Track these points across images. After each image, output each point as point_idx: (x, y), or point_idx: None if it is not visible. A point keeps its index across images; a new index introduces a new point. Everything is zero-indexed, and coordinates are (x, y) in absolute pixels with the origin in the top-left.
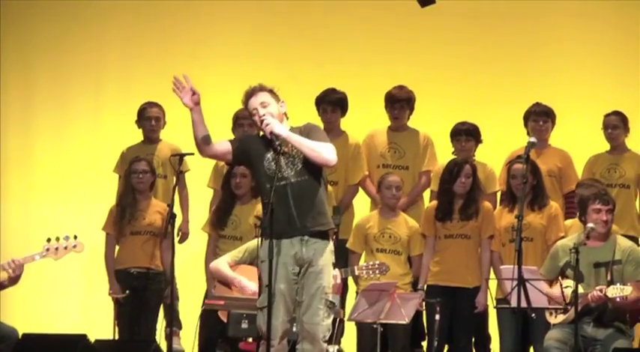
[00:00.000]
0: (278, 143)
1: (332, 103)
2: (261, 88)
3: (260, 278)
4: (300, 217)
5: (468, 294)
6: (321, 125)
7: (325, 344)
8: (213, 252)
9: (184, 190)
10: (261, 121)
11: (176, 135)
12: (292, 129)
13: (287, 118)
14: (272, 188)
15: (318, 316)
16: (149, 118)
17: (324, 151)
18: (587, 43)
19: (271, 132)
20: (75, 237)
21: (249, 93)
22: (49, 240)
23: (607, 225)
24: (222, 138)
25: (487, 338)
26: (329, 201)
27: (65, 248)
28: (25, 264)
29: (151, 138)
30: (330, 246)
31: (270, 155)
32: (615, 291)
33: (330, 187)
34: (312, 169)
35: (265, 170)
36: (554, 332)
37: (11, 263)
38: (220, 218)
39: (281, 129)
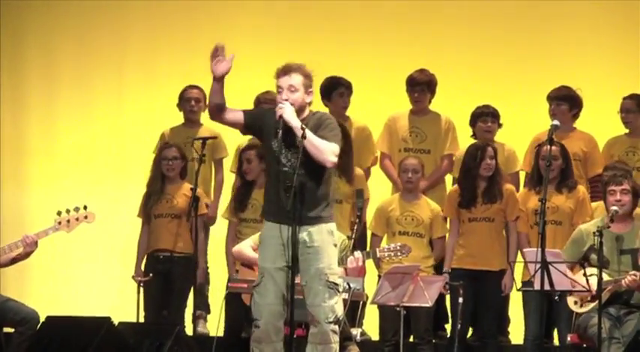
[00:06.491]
0: (279, 128)
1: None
2: (298, 69)
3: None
4: (294, 208)
5: (493, 277)
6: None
7: (331, 325)
8: (233, 238)
9: (219, 175)
10: (278, 103)
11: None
12: (308, 115)
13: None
14: (279, 171)
15: (318, 297)
16: (189, 99)
17: (326, 152)
18: (609, 24)
19: (280, 116)
20: (85, 208)
21: (285, 71)
22: (59, 213)
23: (624, 206)
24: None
25: (507, 321)
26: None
27: (77, 219)
28: (40, 240)
29: (191, 119)
30: (329, 227)
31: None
32: None
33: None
34: (313, 163)
35: (274, 149)
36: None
37: (24, 239)
38: (239, 202)
39: (292, 118)
